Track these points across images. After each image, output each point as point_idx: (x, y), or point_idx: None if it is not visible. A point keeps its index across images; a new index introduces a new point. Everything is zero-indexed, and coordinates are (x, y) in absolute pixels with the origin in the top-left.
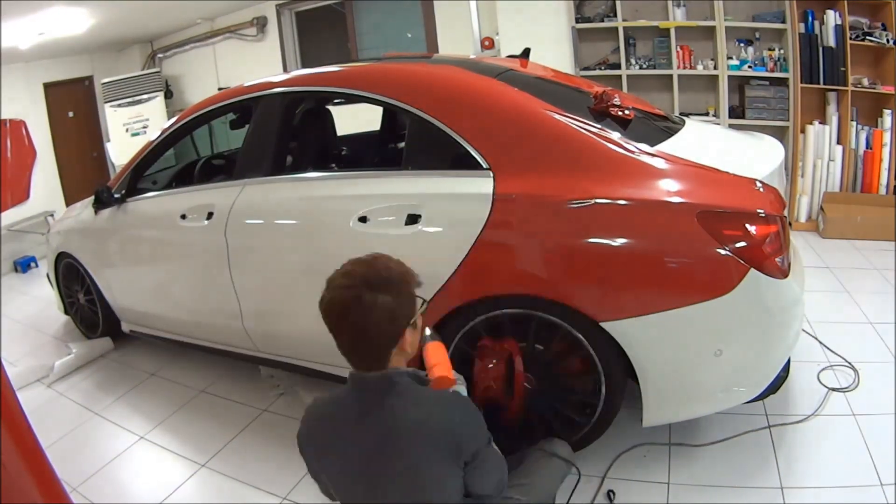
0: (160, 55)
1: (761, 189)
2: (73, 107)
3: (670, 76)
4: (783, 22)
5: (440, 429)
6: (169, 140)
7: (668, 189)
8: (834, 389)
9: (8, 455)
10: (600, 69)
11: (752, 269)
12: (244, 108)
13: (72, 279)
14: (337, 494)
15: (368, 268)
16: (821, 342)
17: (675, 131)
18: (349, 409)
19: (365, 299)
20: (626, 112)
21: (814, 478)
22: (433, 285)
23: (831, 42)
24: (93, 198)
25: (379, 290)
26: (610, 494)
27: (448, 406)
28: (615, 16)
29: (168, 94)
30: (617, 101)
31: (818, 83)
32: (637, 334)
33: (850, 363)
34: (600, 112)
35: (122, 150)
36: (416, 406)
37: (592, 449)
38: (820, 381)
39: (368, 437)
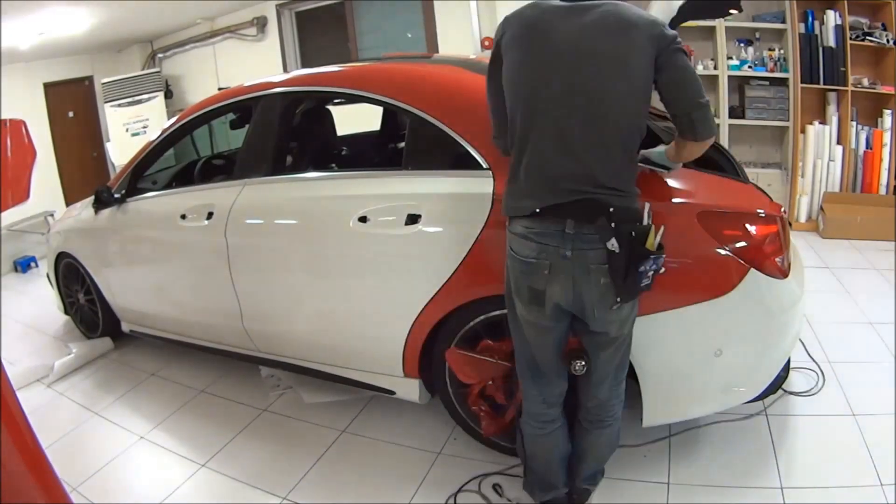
0: (160, 55)
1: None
2: (73, 107)
3: None
4: (783, 22)
5: (649, 21)
6: (169, 140)
7: (668, 189)
8: (792, 393)
9: (8, 455)
10: None
11: (752, 269)
12: (244, 108)
13: (72, 279)
14: (523, 73)
15: None
16: (801, 341)
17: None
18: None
19: None
20: None
21: (814, 478)
22: (432, 286)
23: (831, 42)
24: (93, 198)
25: None
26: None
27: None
28: None
29: (168, 94)
30: None
31: (818, 83)
32: (637, 334)
33: (818, 363)
34: None
35: (122, 150)
36: (631, 9)
37: None
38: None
39: (585, 24)
